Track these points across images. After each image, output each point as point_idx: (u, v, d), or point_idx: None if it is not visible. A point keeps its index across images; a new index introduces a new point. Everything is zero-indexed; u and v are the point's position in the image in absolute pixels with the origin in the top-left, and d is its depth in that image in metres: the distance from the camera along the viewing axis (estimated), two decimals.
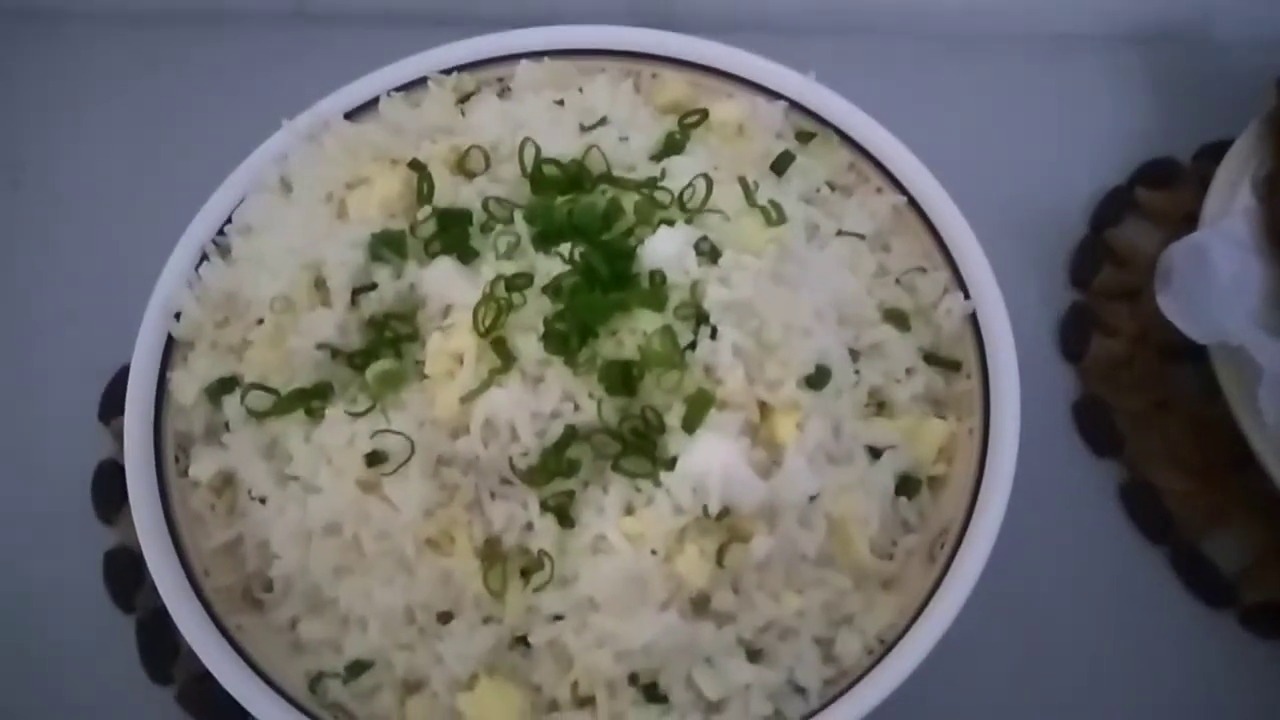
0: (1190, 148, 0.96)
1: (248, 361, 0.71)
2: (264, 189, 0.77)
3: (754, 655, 0.64)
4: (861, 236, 0.76)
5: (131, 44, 1.04)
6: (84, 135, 1.00)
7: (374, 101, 0.81)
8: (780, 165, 0.77)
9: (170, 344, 0.73)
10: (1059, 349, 0.89)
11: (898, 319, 0.74)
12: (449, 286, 0.68)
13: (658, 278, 0.66)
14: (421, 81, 0.82)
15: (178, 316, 0.74)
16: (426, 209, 0.72)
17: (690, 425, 0.64)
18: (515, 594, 0.64)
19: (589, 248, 0.67)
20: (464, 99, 0.82)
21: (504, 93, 0.82)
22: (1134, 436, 0.84)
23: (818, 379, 0.67)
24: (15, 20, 1.05)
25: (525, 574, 0.65)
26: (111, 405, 0.84)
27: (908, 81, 0.97)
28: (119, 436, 0.72)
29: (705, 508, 0.62)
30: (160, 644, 0.77)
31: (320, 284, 0.71)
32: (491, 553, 0.65)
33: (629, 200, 0.71)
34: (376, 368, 0.68)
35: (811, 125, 0.81)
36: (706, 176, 0.70)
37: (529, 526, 0.65)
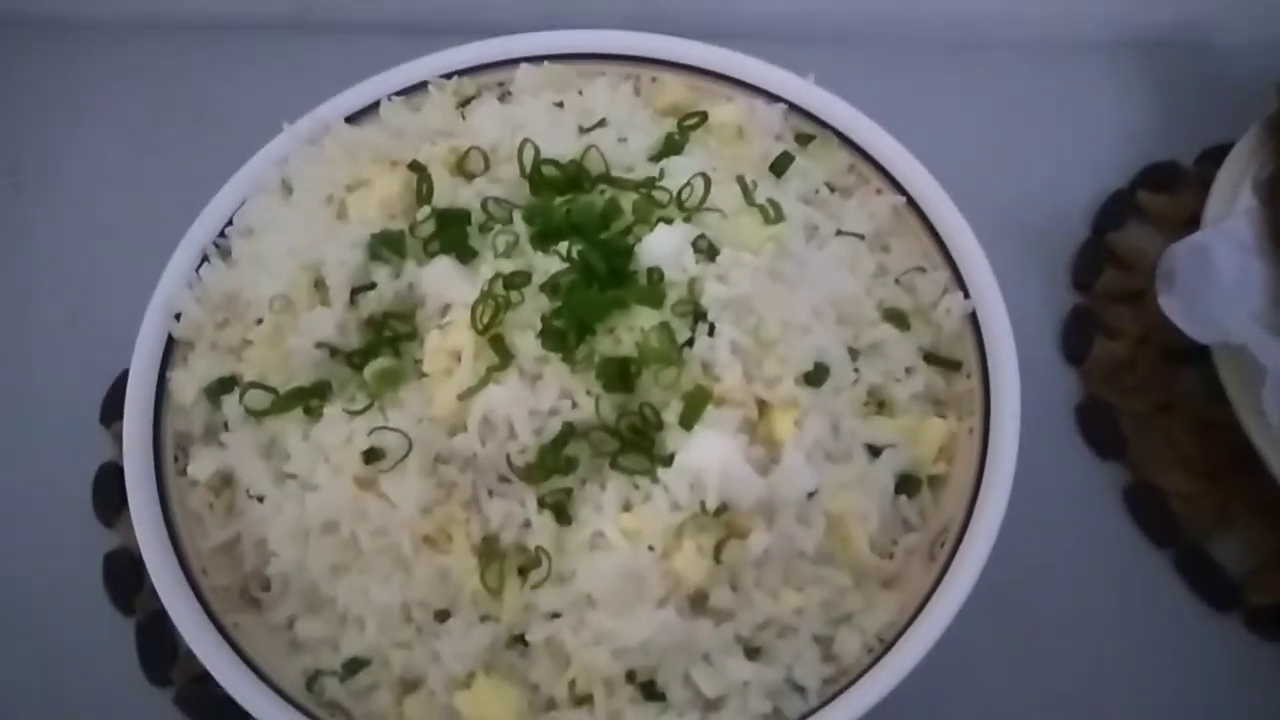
0: (1192, 151, 0.96)
1: (247, 361, 0.72)
2: (265, 191, 0.78)
3: (752, 653, 0.64)
4: (861, 237, 0.76)
5: (134, 51, 1.05)
6: (87, 140, 1.00)
7: (375, 105, 0.82)
8: (779, 167, 0.77)
9: (170, 345, 0.74)
10: (1061, 352, 0.88)
11: (897, 318, 0.74)
12: (447, 285, 0.68)
13: (655, 275, 0.66)
14: (422, 86, 0.82)
15: (178, 317, 0.74)
16: (425, 209, 0.72)
17: (688, 422, 0.64)
18: (513, 592, 0.64)
19: (587, 246, 0.67)
20: (464, 103, 0.82)
21: (504, 97, 0.83)
22: (1137, 439, 0.84)
23: (816, 376, 0.67)
24: (19, 27, 1.06)
25: (523, 572, 0.64)
26: (113, 409, 0.84)
27: (909, 87, 0.97)
28: (120, 440, 0.72)
29: (703, 504, 0.62)
30: (159, 646, 0.77)
31: (319, 284, 0.71)
32: (489, 550, 0.65)
33: (627, 200, 0.71)
34: (375, 366, 0.68)
35: (811, 128, 0.81)
36: (705, 175, 0.70)
37: (526, 524, 0.64)
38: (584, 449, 0.65)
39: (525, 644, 0.65)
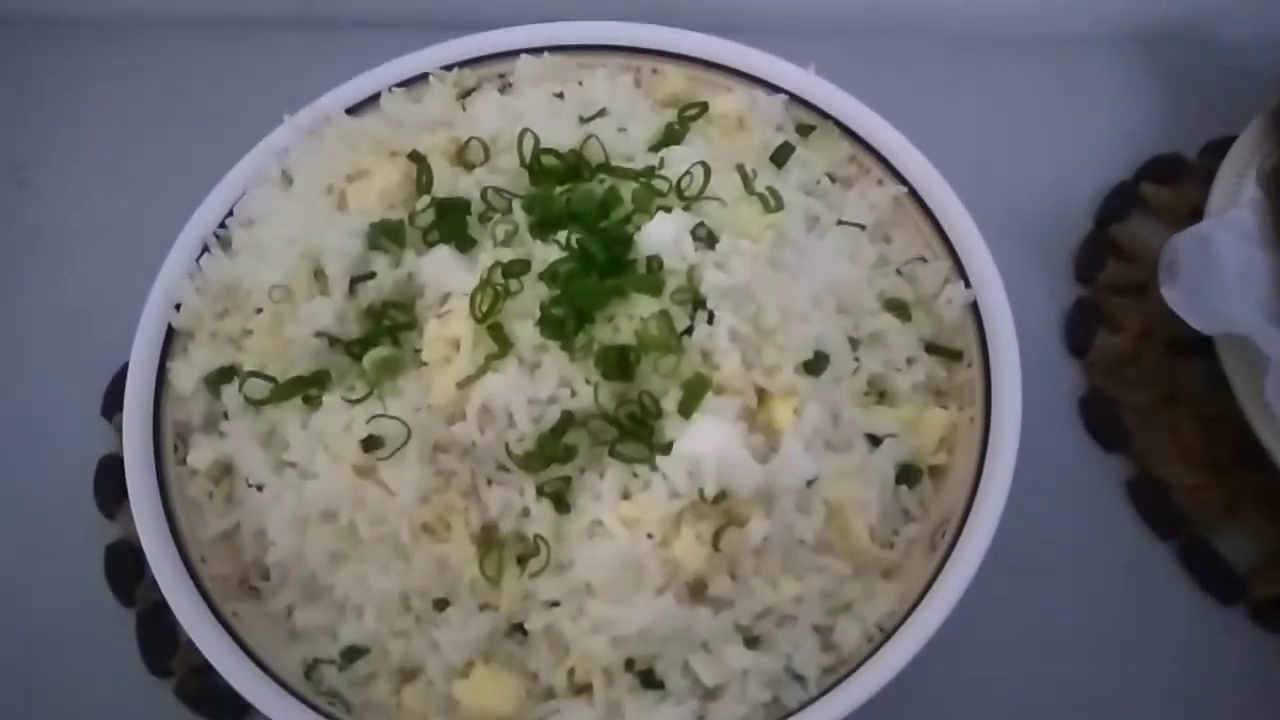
0: (1196, 144, 0.95)
1: (247, 351, 0.72)
2: (265, 182, 0.78)
3: (752, 642, 0.64)
4: (862, 227, 0.76)
5: (136, 47, 1.05)
6: (90, 137, 1.01)
7: (375, 97, 0.82)
8: (780, 157, 0.77)
9: (171, 335, 0.74)
10: (1064, 344, 0.88)
11: (898, 309, 0.74)
12: (447, 274, 0.68)
13: (654, 263, 0.66)
14: (423, 78, 0.83)
15: (178, 308, 0.74)
16: (425, 199, 0.72)
17: (687, 410, 0.63)
18: (511, 580, 0.64)
19: (586, 234, 0.67)
20: (465, 94, 0.82)
21: (505, 88, 0.83)
22: (1141, 431, 0.84)
23: (815, 365, 0.67)
24: (24, 25, 1.06)
25: (521, 561, 0.64)
26: (114, 401, 0.84)
27: (913, 81, 0.96)
28: (121, 432, 0.72)
29: (701, 491, 0.62)
30: (160, 637, 0.77)
31: (319, 273, 0.71)
32: (488, 539, 0.64)
33: (627, 189, 0.71)
34: (374, 355, 0.68)
35: (812, 118, 0.81)
36: (704, 164, 0.70)
37: (525, 512, 0.64)
38: (583, 437, 0.64)
39: (524, 633, 0.65)
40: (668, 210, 0.69)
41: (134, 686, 0.76)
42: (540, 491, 0.64)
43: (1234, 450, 0.80)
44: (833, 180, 0.79)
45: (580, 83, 0.80)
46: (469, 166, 0.75)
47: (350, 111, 0.81)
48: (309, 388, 0.69)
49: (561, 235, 0.68)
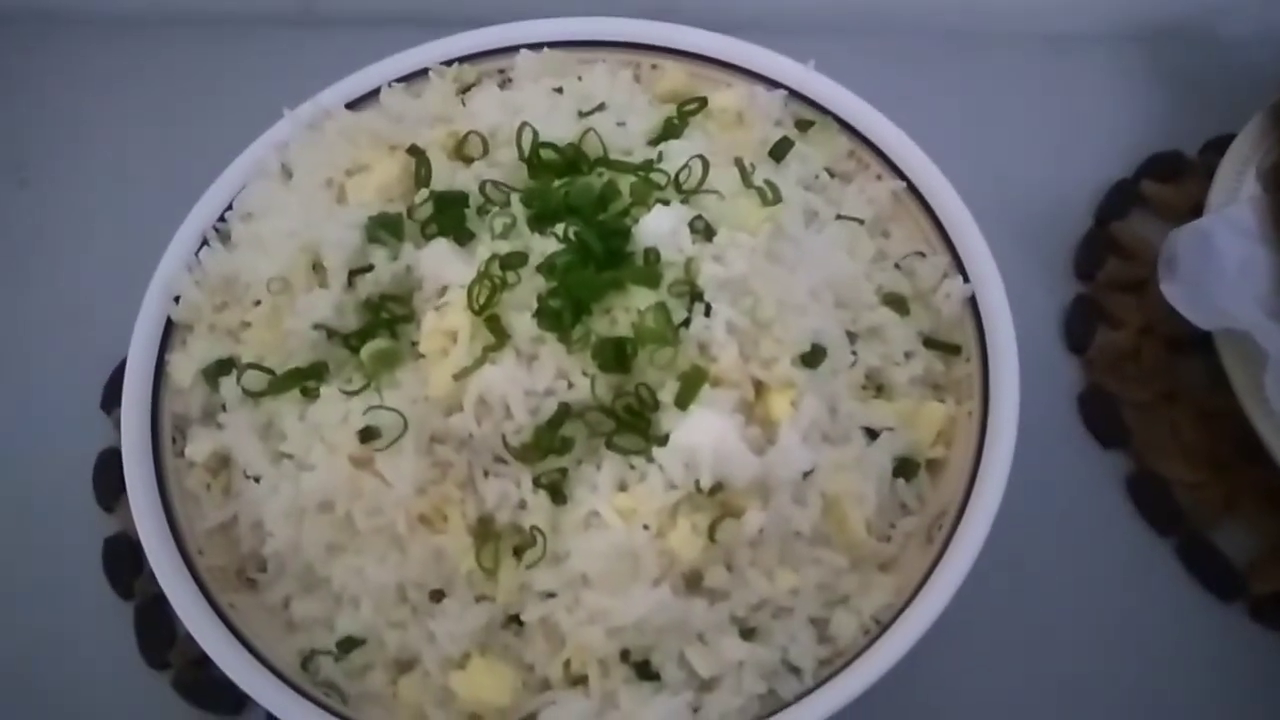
0: (1196, 141, 0.95)
1: (245, 343, 0.72)
2: (265, 176, 0.78)
3: (747, 633, 0.64)
4: (860, 221, 0.76)
5: (137, 46, 1.06)
6: (91, 135, 1.01)
7: (375, 92, 0.82)
8: (779, 152, 0.77)
9: (169, 327, 0.74)
10: (1063, 341, 0.88)
11: (896, 303, 0.74)
12: (445, 267, 0.68)
13: (652, 256, 0.66)
14: (423, 73, 0.83)
15: (177, 300, 0.74)
16: (424, 192, 0.72)
17: (684, 402, 0.63)
18: (508, 572, 0.64)
19: (584, 227, 0.67)
20: (465, 90, 0.83)
21: (505, 84, 0.83)
22: (1140, 428, 0.84)
23: (813, 358, 0.66)
24: (25, 22, 1.07)
25: (518, 552, 0.64)
26: (113, 395, 0.84)
27: (914, 77, 0.97)
28: (120, 425, 0.72)
29: (697, 483, 0.62)
30: (157, 630, 0.77)
31: (317, 266, 0.71)
32: (484, 530, 0.64)
33: (625, 182, 0.71)
34: (371, 346, 0.68)
35: (811, 114, 0.81)
36: (702, 158, 0.70)
37: (522, 504, 0.64)
38: (580, 429, 0.64)
39: (520, 624, 0.65)
40: (666, 203, 0.69)
41: (132, 679, 0.76)
42: (537, 483, 0.64)
43: (1234, 447, 0.80)
44: (831, 175, 0.79)
45: (580, 78, 0.80)
46: (468, 160, 0.75)
47: (350, 106, 0.81)
48: (307, 380, 0.69)
49: (559, 228, 0.68)
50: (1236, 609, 0.77)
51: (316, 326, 0.69)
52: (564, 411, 0.64)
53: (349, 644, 0.65)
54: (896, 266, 0.76)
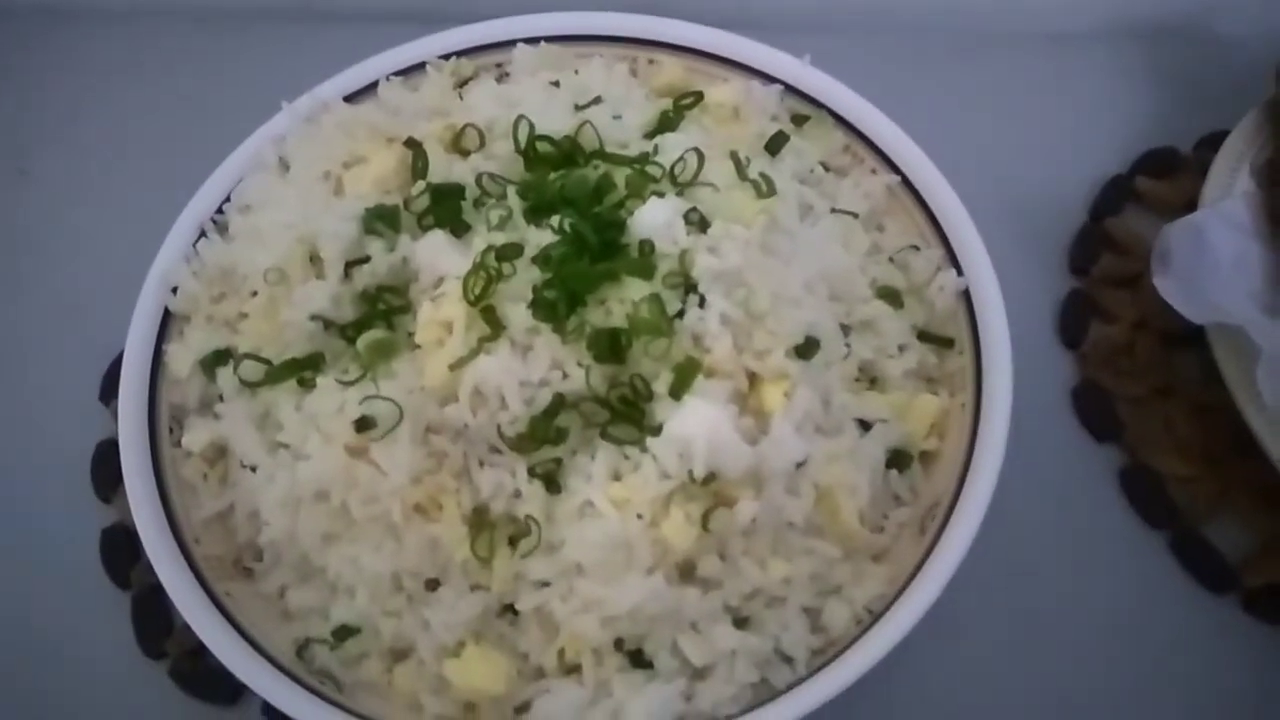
0: (1191, 138, 0.96)
1: (242, 333, 0.72)
2: (262, 168, 0.78)
3: (740, 622, 0.64)
4: (855, 215, 0.76)
5: (136, 39, 1.06)
6: (90, 127, 1.02)
7: (373, 86, 0.83)
8: (774, 146, 0.78)
9: (167, 318, 0.75)
10: (1058, 336, 0.88)
11: (890, 296, 0.74)
12: (441, 258, 0.69)
13: (646, 247, 0.67)
14: (420, 67, 0.83)
15: (175, 292, 0.75)
16: (420, 184, 0.73)
17: (678, 392, 0.64)
18: (503, 561, 0.64)
19: (579, 219, 0.68)
20: (462, 84, 0.83)
21: (502, 78, 0.83)
22: (1134, 422, 0.84)
23: (806, 349, 0.67)
24: (24, 15, 1.07)
25: (513, 541, 0.65)
26: (112, 387, 0.84)
27: (910, 75, 0.97)
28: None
29: (691, 472, 0.62)
30: (154, 620, 0.77)
31: (314, 258, 0.72)
32: (479, 520, 0.65)
33: (621, 174, 0.71)
34: (368, 337, 0.68)
35: (806, 108, 0.81)
36: (697, 150, 0.71)
37: (517, 494, 0.65)
38: (574, 419, 0.65)
39: (515, 613, 0.65)
40: (661, 196, 0.69)
41: (129, 669, 0.77)
42: (532, 473, 0.64)
43: (1228, 442, 0.80)
44: (826, 169, 0.79)
45: (576, 72, 0.81)
46: (464, 153, 0.76)
47: (348, 100, 0.82)
48: (303, 370, 0.69)
49: (555, 220, 0.68)
50: (1229, 602, 0.78)
51: (313, 317, 0.70)
52: (559, 402, 0.65)
53: (344, 633, 0.66)
54: (891, 260, 0.76)
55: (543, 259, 0.67)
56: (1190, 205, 0.86)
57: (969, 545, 0.64)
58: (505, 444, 0.65)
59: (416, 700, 0.65)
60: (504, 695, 0.64)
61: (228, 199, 0.78)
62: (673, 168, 0.71)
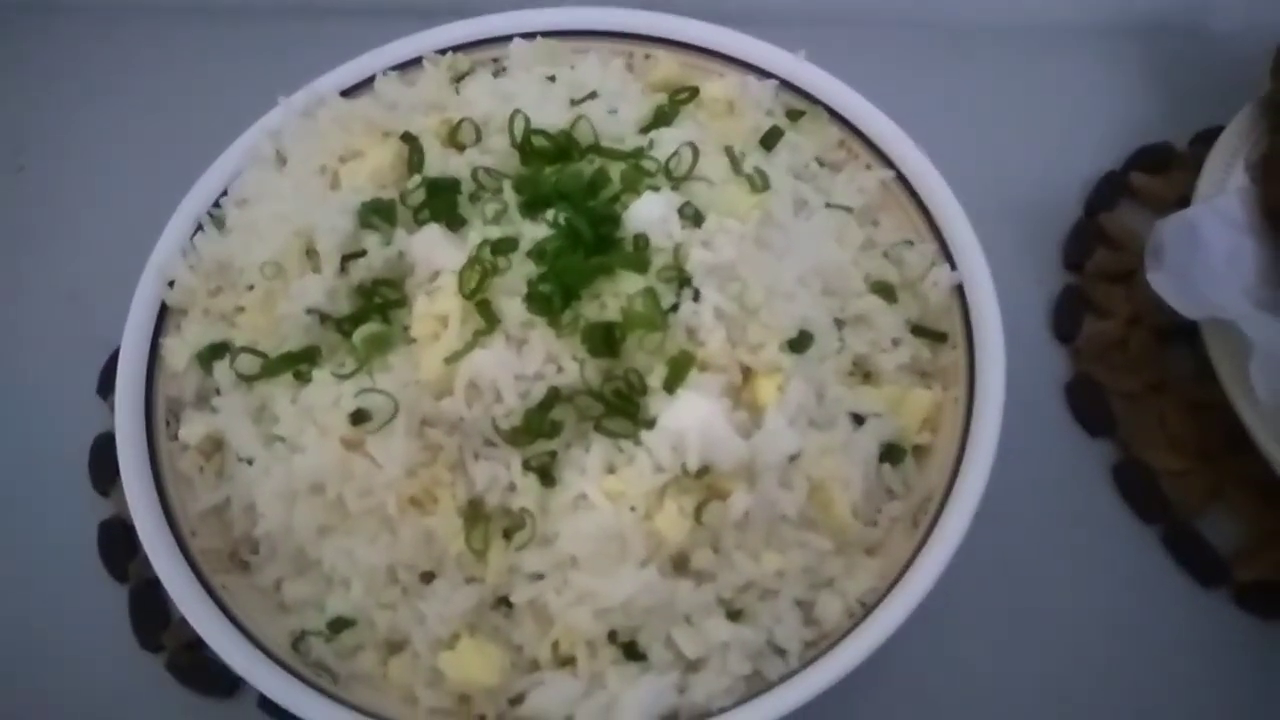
0: (1186, 134, 0.96)
1: (239, 327, 0.73)
2: (259, 162, 0.79)
3: (734, 615, 0.64)
4: (849, 210, 0.76)
5: (134, 35, 1.07)
6: (88, 121, 1.02)
7: (370, 80, 0.83)
8: (769, 141, 0.78)
9: (164, 312, 0.75)
10: (1052, 331, 0.89)
11: (884, 291, 0.74)
12: (436, 252, 0.69)
13: (641, 241, 0.67)
14: (417, 61, 0.84)
15: (172, 285, 0.75)
16: (416, 178, 0.73)
17: (671, 386, 0.64)
18: (497, 553, 0.65)
19: (574, 213, 0.68)
20: (459, 78, 0.83)
21: (499, 72, 0.83)
22: (1127, 417, 0.84)
23: (800, 343, 0.67)
24: (22, 10, 1.07)
25: (507, 534, 0.65)
26: (110, 380, 0.83)
27: (905, 71, 0.97)
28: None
29: (684, 465, 0.62)
30: (152, 613, 0.78)
31: (311, 251, 0.72)
32: (474, 512, 0.65)
33: (616, 169, 0.71)
34: (364, 330, 0.68)
35: (802, 103, 0.82)
36: (692, 145, 0.71)
37: (511, 486, 0.65)
38: (569, 412, 0.65)
39: (509, 605, 0.65)
40: (656, 190, 0.70)
41: (126, 661, 0.77)
42: (526, 466, 0.65)
43: (1220, 436, 0.80)
44: (821, 164, 0.80)
45: (572, 67, 0.81)
46: (460, 147, 0.76)
47: (345, 94, 0.82)
48: (299, 363, 0.70)
49: (550, 214, 0.68)
50: (1221, 596, 0.78)
51: (309, 311, 0.70)
52: (553, 395, 0.65)
53: (339, 625, 0.66)
54: (885, 255, 0.76)
55: (538, 253, 0.67)
56: (1184, 201, 0.86)
57: (961, 539, 0.64)
58: (500, 437, 0.65)
59: (411, 692, 0.65)
60: (498, 687, 0.64)
61: (224, 193, 0.78)
62: (668, 162, 0.71)
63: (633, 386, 0.65)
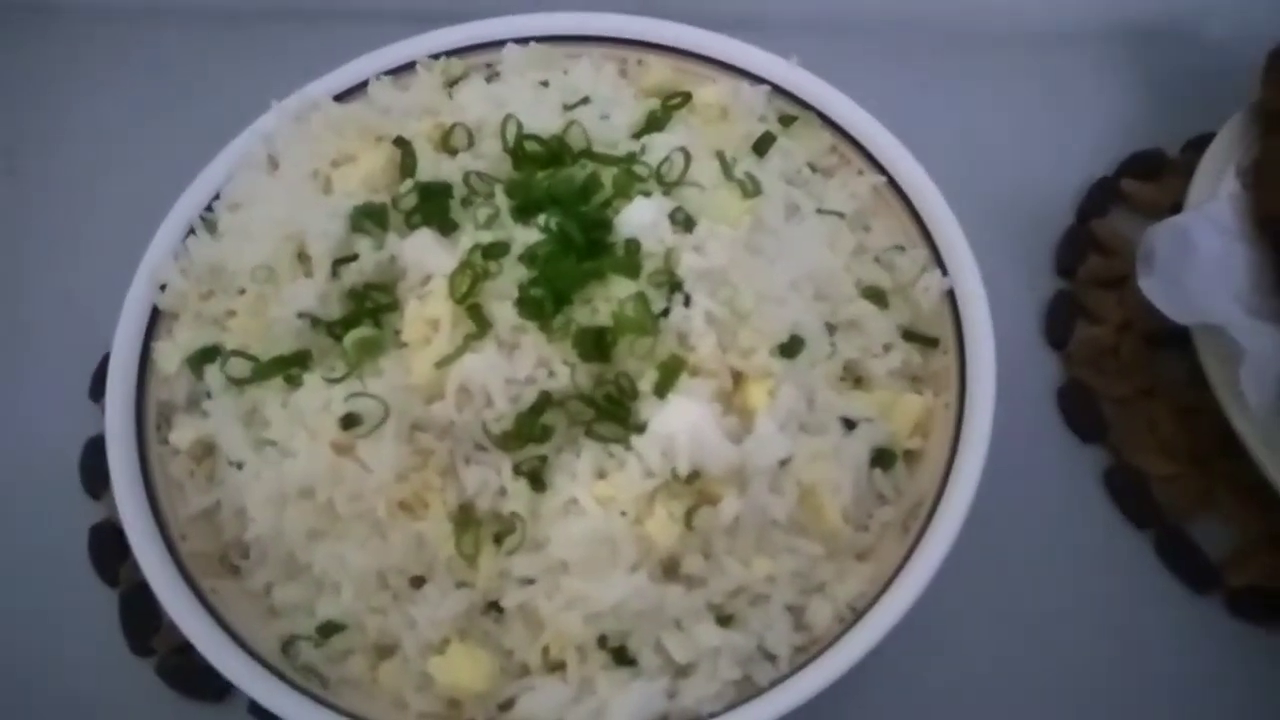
0: (1177, 140, 0.96)
1: (230, 331, 0.73)
2: (252, 166, 0.79)
3: (724, 620, 0.64)
4: (841, 215, 0.77)
5: (125, 37, 1.06)
6: (78, 124, 1.02)
7: (363, 85, 0.83)
8: (761, 146, 0.78)
9: (155, 315, 0.75)
10: (1043, 336, 0.89)
11: (876, 296, 0.74)
12: (428, 256, 0.69)
13: (632, 246, 0.67)
14: (410, 66, 0.84)
15: (163, 289, 0.75)
16: (409, 182, 0.73)
17: (662, 391, 0.64)
18: (488, 558, 0.65)
19: (565, 217, 0.68)
20: (452, 83, 0.83)
21: (492, 77, 0.83)
22: (1119, 422, 0.84)
23: (791, 348, 0.67)
24: (11, 12, 1.07)
25: (498, 539, 0.65)
26: (101, 384, 0.83)
27: (896, 75, 0.97)
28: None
29: (675, 470, 0.62)
30: (142, 617, 0.77)
31: (302, 255, 0.72)
32: (465, 517, 0.65)
33: (608, 174, 0.72)
34: (355, 335, 0.68)
35: (794, 109, 0.82)
36: (684, 150, 0.71)
37: (502, 491, 0.65)
38: (560, 417, 0.65)
39: (500, 610, 0.65)
40: (647, 195, 0.70)
41: (116, 665, 0.77)
42: (517, 470, 0.65)
43: (1211, 441, 0.81)
44: (813, 170, 0.80)
45: (565, 72, 0.81)
46: (453, 152, 0.76)
47: (338, 98, 0.82)
48: (290, 367, 0.69)
49: (542, 218, 0.69)
50: (1212, 601, 0.78)
51: (301, 315, 0.70)
52: (544, 400, 0.65)
53: (329, 629, 0.66)
54: (876, 260, 0.76)
55: (529, 257, 0.67)
56: (1176, 207, 0.86)
57: (952, 544, 0.64)
58: (491, 441, 0.65)
59: (401, 697, 0.65)
60: (488, 692, 0.64)
61: (217, 196, 0.78)
62: (660, 167, 0.71)
63: (623, 391, 0.65)
